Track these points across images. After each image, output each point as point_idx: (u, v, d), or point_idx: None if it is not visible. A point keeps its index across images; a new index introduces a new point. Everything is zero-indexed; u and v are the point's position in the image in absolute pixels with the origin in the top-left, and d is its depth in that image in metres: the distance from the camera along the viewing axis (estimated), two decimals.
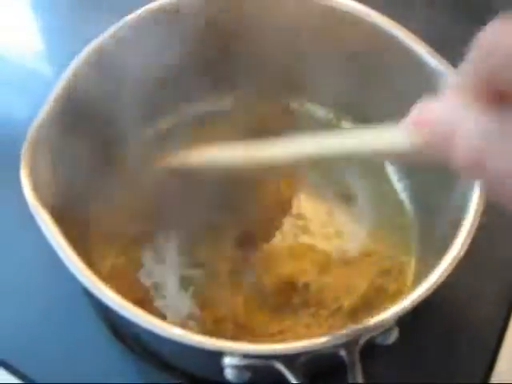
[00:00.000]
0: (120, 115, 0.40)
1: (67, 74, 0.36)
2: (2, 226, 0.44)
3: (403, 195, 0.43)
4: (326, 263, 0.40)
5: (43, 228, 0.31)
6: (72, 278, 0.30)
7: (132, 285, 0.39)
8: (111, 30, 0.39)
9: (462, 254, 0.32)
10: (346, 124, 0.46)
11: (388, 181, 0.44)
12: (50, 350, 0.39)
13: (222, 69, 0.44)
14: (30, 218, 0.31)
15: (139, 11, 0.39)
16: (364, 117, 0.44)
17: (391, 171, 0.44)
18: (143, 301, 0.38)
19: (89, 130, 0.38)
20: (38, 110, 0.48)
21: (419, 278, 0.36)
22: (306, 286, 0.39)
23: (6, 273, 0.42)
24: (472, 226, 0.33)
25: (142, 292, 0.39)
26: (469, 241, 0.32)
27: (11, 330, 0.40)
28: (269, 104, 0.46)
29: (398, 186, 0.44)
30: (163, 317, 0.38)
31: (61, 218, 0.33)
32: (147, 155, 0.42)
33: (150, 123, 0.44)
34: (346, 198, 0.44)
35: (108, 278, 0.35)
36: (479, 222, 0.33)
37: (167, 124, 0.45)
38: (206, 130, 0.45)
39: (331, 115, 0.46)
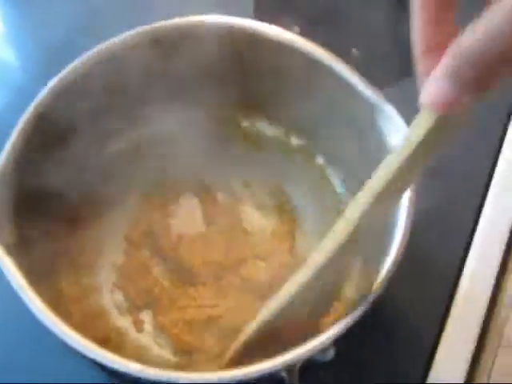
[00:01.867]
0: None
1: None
2: None
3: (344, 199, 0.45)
4: None
5: (6, 273, 0.34)
6: None
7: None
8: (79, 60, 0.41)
9: (390, 275, 0.34)
10: (294, 140, 0.48)
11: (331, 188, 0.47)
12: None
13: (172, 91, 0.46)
14: None
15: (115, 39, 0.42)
16: (312, 134, 0.47)
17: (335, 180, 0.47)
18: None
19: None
20: (4, 99, 0.52)
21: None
22: None
23: None
24: (403, 240, 0.35)
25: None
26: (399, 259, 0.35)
27: None
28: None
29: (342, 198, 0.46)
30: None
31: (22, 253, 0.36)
32: None
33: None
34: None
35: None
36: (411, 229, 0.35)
37: (116, 147, 0.47)
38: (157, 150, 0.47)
39: (281, 132, 0.48)
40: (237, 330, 0.39)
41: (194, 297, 0.43)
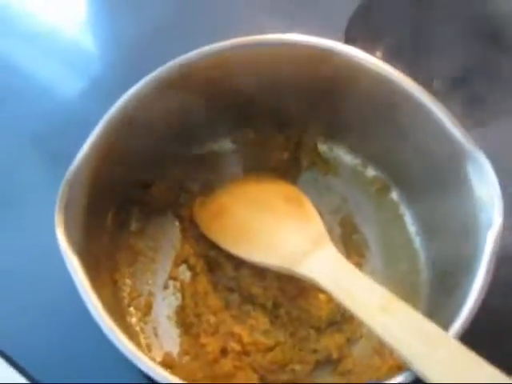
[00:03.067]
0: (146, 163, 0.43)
1: (104, 119, 0.38)
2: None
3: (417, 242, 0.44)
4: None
5: (72, 272, 0.34)
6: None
7: None
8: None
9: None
10: (371, 171, 0.47)
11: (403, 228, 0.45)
12: (55, 351, 0.42)
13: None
14: None
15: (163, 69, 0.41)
16: (390, 168, 0.46)
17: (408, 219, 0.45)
18: None
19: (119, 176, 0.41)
20: (80, 85, 0.53)
21: None
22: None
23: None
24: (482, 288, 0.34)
25: None
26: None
27: (18, 327, 0.43)
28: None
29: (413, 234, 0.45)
30: None
31: (89, 254, 0.36)
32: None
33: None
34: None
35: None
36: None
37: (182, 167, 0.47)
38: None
39: (357, 161, 0.47)
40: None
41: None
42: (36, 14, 0.59)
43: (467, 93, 0.54)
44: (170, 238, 0.45)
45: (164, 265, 0.45)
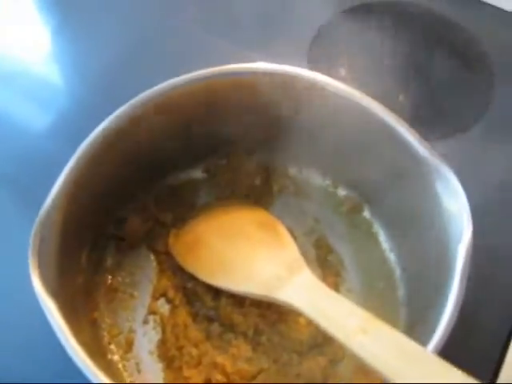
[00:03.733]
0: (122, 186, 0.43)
1: (73, 158, 0.38)
2: None
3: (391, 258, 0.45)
4: None
5: (48, 315, 0.33)
6: None
7: None
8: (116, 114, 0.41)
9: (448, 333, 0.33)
10: (341, 191, 0.48)
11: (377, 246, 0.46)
12: None
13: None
14: None
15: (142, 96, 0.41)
16: (360, 187, 0.46)
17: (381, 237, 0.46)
18: None
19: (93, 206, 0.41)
20: (49, 119, 0.53)
21: None
22: None
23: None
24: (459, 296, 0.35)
25: None
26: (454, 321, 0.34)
27: None
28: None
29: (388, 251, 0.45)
30: None
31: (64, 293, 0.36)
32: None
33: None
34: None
35: None
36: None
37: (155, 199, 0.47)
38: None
39: (328, 182, 0.48)
40: None
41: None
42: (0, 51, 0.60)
43: (432, 106, 0.56)
44: (147, 272, 0.45)
45: (143, 300, 0.44)
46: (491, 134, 0.54)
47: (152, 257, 0.46)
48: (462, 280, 0.35)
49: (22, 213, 0.49)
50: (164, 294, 0.44)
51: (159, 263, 0.45)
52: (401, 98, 0.56)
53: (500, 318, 0.45)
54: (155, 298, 0.44)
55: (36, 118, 0.55)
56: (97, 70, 0.58)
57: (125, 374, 0.41)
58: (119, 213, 0.45)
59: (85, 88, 0.57)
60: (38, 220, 0.36)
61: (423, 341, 0.33)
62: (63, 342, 0.33)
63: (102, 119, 0.40)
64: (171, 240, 0.45)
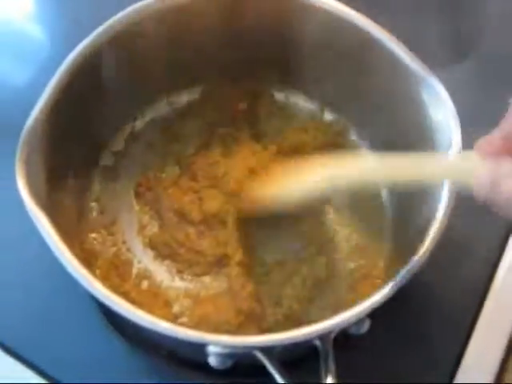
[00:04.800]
0: (106, 112, 0.43)
1: (58, 73, 0.38)
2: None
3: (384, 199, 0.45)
4: None
5: (39, 227, 0.33)
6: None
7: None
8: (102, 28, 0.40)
9: (427, 254, 0.34)
10: (328, 115, 0.47)
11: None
12: (51, 339, 0.41)
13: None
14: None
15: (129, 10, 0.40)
16: (347, 109, 0.46)
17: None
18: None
19: (78, 128, 0.40)
20: (30, 74, 0.52)
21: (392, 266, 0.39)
22: None
23: (8, 268, 0.44)
24: (441, 226, 0.35)
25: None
26: (435, 241, 0.34)
27: (15, 319, 0.42)
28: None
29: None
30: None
31: (54, 212, 0.35)
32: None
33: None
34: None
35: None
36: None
37: (148, 117, 0.47)
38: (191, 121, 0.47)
39: (315, 106, 0.48)
40: None
41: None
42: None
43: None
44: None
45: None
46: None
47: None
48: (450, 191, 0.35)
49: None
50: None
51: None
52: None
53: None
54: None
55: (18, 71, 0.54)
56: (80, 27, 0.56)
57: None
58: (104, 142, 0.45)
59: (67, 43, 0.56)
60: (25, 129, 0.35)
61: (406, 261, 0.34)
62: (58, 255, 0.33)
63: None
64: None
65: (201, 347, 0.32)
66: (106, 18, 0.45)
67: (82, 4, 0.57)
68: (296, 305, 0.41)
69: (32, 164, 0.35)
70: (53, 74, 0.51)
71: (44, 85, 0.50)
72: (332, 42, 0.42)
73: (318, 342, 0.32)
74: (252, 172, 0.44)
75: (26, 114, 0.36)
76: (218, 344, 0.31)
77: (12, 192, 0.34)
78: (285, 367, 0.32)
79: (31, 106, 0.47)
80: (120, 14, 0.40)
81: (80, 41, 0.48)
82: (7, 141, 0.38)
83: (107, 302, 0.32)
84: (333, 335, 0.32)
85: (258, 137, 0.47)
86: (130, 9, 0.40)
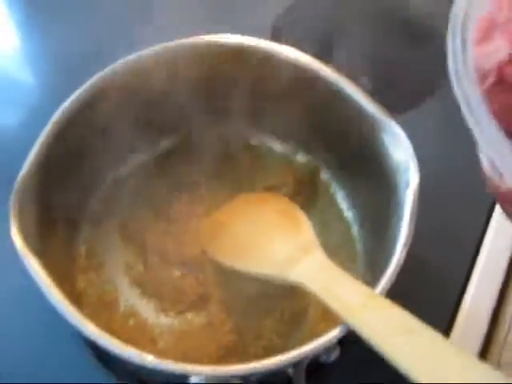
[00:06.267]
0: (94, 160, 0.46)
1: (52, 122, 0.42)
2: None
3: (351, 223, 0.48)
4: None
5: (31, 271, 0.36)
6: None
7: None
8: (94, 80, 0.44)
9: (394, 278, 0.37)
10: (300, 157, 0.51)
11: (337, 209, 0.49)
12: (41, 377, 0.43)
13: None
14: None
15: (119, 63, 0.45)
16: (317, 151, 0.50)
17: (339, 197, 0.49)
18: None
19: (68, 175, 0.44)
20: (19, 119, 0.54)
21: None
22: None
23: None
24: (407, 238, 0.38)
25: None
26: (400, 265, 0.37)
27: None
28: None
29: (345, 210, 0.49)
30: None
31: (46, 256, 0.38)
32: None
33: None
34: None
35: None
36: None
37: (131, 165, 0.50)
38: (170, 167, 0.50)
39: (288, 149, 0.51)
40: None
41: None
42: None
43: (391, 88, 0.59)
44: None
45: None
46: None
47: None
48: (410, 221, 0.38)
49: None
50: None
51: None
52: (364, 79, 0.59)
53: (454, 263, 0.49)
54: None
55: (5, 116, 0.56)
56: (67, 62, 0.59)
57: None
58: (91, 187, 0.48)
59: (55, 81, 0.58)
60: (18, 177, 0.39)
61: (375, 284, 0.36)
62: (48, 296, 0.35)
63: None
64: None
65: (184, 379, 0.34)
66: (96, 61, 0.49)
67: (72, 44, 0.60)
68: (276, 337, 0.43)
69: (24, 211, 0.38)
70: (41, 119, 0.53)
71: (33, 130, 0.52)
72: (299, 92, 0.46)
73: (291, 371, 0.34)
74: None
75: (16, 159, 0.39)
76: (199, 374, 0.33)
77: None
78: None
79: (21, 151, 0.50)
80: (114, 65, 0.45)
81: (69, 84, 0.51)
82: None
83: (96, 339, 0.34)
84: (304, 365, 0.34)
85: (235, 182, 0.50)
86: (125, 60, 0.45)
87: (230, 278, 0.45)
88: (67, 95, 0.43)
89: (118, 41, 0.60)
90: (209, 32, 0.46)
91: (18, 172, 0.39)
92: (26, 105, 0.56)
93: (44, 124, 0.42)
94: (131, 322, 0.44)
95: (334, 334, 0.35)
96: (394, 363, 0.31)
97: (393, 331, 0.32)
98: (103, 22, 0.62)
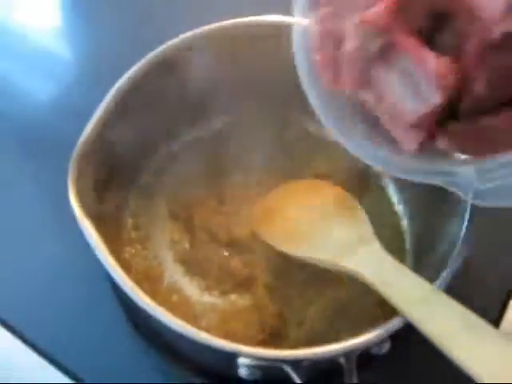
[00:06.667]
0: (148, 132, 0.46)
1: (111, 92, 0.42)
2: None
3: (401, 216, 0.48)
4: None
5: (87, 236, 0.36)
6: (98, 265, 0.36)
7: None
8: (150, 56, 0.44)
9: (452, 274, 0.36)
10: None
11: (388, 202, 0.49)
12: (71, 335, 0.44)
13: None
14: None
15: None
16: None
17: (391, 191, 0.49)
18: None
19: (121, 145, 0.44)
20: (57, 92, 0.54)
21: None
22: None
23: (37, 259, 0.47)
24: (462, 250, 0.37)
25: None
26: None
27: (38, 311, 0.44)
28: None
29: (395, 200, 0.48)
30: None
31: (98, 224, 0.38)
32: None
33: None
34: None
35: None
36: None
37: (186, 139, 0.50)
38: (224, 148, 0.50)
39: None
40: None
41: None
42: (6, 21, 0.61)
43: None
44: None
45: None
46: None
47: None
48: (470, 221, 0.38)
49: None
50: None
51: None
52: None
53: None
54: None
55: (42, 90, 0.57)
56: (105, 41, 0.59)
57: None
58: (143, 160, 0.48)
59: (93, 60, 0.58)
60: (77, 145, 0.39)
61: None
62: (102, 260, 0.35)
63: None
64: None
65: (230, 359, 0.34)
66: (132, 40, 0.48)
67: (110, 24, 0.61)
68: (318, 326, 0.43)
69: (81, 177, 0.38)
70: (80, 92, 0.54)
71: (72, 103, 0.53)
72: None
73: (342, 360, 0.34)
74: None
75: (59, 131, 0.39)
76: (250, 356, 0.33)
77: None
78: (310, 382, 0.34)
79: (61, 124, 0.51)
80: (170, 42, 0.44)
81: (109, 60, 0.51)
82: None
83: (147, 308, 0.34)
84: (356, 355, 0.34)
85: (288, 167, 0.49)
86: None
87: (276, 262, 0.44)
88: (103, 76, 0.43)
89: (162, 26, 0.59)
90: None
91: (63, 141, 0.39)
92: (61, 80, 0.57)
93: (83, 97, 0.42)
94: (174, 297, 0.44)
95: (390, 326, 0.34)
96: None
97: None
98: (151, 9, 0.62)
